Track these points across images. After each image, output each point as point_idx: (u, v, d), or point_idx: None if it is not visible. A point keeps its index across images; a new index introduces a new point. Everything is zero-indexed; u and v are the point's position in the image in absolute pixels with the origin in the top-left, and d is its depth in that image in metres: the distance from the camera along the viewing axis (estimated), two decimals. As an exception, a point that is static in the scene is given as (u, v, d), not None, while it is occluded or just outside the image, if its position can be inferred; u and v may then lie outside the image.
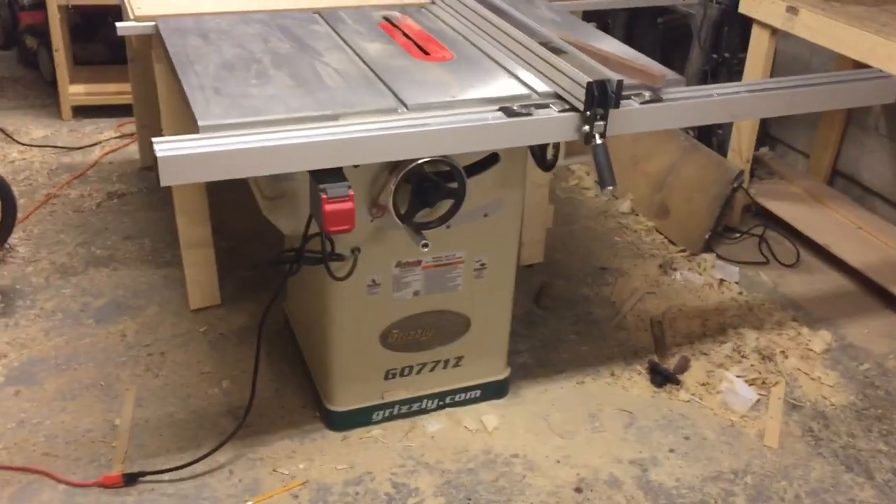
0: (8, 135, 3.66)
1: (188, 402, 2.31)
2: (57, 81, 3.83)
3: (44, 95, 4.09)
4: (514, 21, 2.10)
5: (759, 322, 2.75)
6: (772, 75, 3.11)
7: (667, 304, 2.82)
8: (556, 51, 1.92)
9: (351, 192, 1.69)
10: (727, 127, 3.35)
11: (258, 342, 2.10)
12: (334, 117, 1.71)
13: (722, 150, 3.37)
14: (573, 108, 1.80)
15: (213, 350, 2.51)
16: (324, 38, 2.11)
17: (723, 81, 3.32)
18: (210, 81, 1.81)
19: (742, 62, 3.20)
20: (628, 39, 3.71)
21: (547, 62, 1.88)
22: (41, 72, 4.23)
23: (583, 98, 1.75)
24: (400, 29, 2.20)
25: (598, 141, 1.80)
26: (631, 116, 1.85)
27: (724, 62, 3.28)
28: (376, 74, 1.92)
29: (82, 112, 3.92)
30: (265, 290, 2.61)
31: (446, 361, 2.27)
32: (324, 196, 1.67)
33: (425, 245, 1.88)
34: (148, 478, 2.04)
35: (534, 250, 3.00)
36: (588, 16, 3.18)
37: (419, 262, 2.10)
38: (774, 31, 2.94)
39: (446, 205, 1.97)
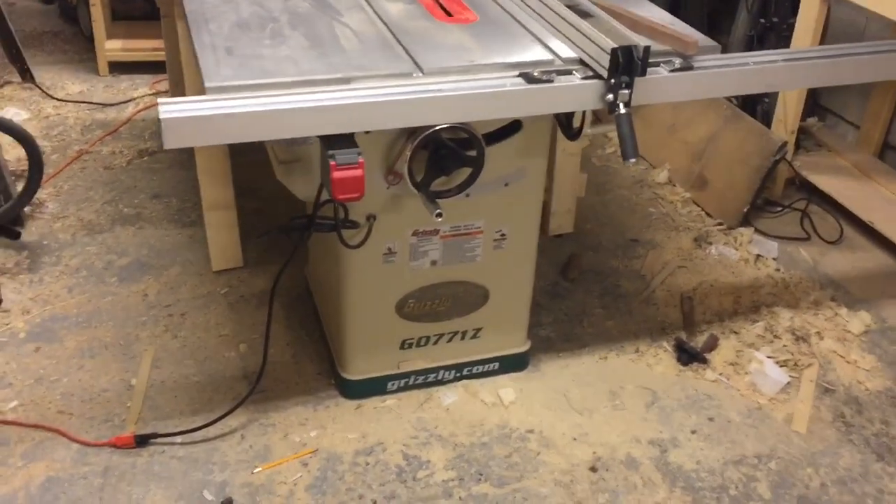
0: (44, 91, 3.66)
1: (205, 365, 2.30)
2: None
3: (82, 51, 4.09)
4: (543, -18, 2.01)
5: (794, 301, 2.65)
6: (822, 43, 2.96)
7: (699, 280, 2.73)
8: (583, 14, 1.83)
9: (361, 159, 1.63)
10: (773, 95, 3.21)
11: (270, 307, 2.07)
12: (346, 80, 1.65)
13: (766, 119, 3.24)
14: (597, 76, 1.72)
15: (233, 312, 2.49)
16: (343, -6, 2.05)
17: (770, 48, 3.18)
18: (223, 41, 1.77)
19: (792, 28, 3.05)
20: (674, 2, 3.57)
21: (572, 26, 1.79)
22: (81, 26, 4.23)
23: (607, 65, 1.67)
24: (426, -12, 2.13)
25: (623, 110, 1.71)
26: (659, 85, 1.75)
27: (772, 27, 3.13)
28: (395, 36, 1.85)
29: (119, 68, 3.92)
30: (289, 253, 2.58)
31: (464, 333, 2.23)
32: (332, 163, 1.62)
33: (439, 214, 1.83)
34: (159, 440, 2.04)
35: (563, 220, 2.92)
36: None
37: (437, 232, 2.05)
38: (826, -4, 2.80)
39: (464, 173, 1.91)
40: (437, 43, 1.82)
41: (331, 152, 1.63)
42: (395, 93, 1.62)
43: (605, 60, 1.67)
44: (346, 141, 1.64)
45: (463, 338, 2.23)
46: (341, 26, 1.87)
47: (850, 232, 3.01)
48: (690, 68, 1.78)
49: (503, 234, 2.11)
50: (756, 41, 3.16)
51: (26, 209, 2.80)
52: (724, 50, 3.35)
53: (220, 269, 2.65)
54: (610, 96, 1.71)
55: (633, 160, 1.71)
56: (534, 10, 1.96)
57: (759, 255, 2.86)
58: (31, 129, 3.36)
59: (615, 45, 1.65)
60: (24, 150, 2.55)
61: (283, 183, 1.95)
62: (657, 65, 1.77)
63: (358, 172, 1.63)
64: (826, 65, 1.87)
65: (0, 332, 2.36)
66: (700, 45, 1.82)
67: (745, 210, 2.98)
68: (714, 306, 2.62)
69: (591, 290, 2.69)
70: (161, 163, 3.23)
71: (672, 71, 1.76)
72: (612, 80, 1.69)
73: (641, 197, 3.21)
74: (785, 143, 2.94)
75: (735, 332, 2.51)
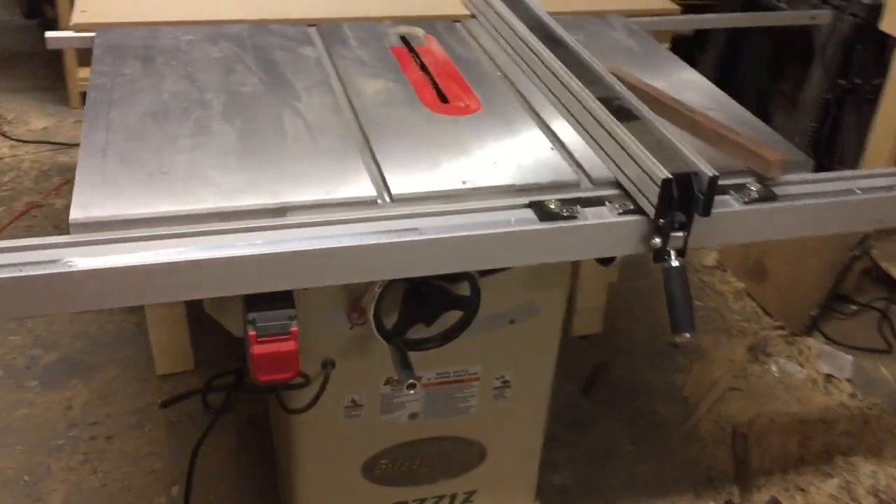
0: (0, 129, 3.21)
1: (125, 516, 1.83)
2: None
3: (55, 76, 3.64)
4: (572, 58, 1.49)
5: (876, 446, 2.11)
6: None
7: (755, 409, 2.20)
8: (624, 114, 1.32)
9: (294, 327, 1.14)
10: (849, 154, 2.67)
11: (188, 484, 1.58)
12: (280, 211, 1.16)
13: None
14: (640, 210, 1.21)
15: (172, 436, 2.01)
16: (311, 67, 1.55)
17: (850, 113, 2.64)
18: (121, 140, 1.28)
19: (876, 90, 2.52)
20: (731, 48, 3.04)
21: (609, 134, 1.28)
22: (59, 47, 3.78)
23: (654, 198, 1.16)
24: (418, 56, 1.63)
25: (675, 262, 1.20)
26: (727, 223, 1.24)
27: (853, 89, 2.59)
28: (365, 136, 1.35)
29: (94, 98, 3.45)
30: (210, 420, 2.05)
31: (452, 496, 1.73)
32: (251, 332, 1.13)
33: (412, 385, 1.33)
34: None
35: (590, 318, 2.41)
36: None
37: (418, 379, 1.55)
38: (926, 59, 2.26)
39: (452, 317, 1.42)
40: (421, 148, 1.32)
41: (251, 315, 1.14)
42: (348, 233, 1.12)
43: (652, 191, 1.16)
44: (275, 300, 1.15)
45: (451, 503, 1.73)
46: (294, 116, 1.38)
47: (941, 344, 2.47)
48: (772, 198, 1.26)
49: (506, 382, 1.61)
50: (834, 104, 2.62)
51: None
52: (795, 114, 2.83)
53: (166, 374, 2.17)
54: (657, 240, 1.20)
55: (687, 335, 1.20)
56: (559, 101, 1.45)
57: (829, 375, 2.33)
58: (-21, 174, 2.93)
59: (668, 175, 1.14)
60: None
61: (213, 317, 1.46)
62: (725, 191, 1.26)
63: (289, 346, 1.14)
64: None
65: None
66: (784, 162, 1.30)
67: (814, 314, 2.45)
68: (775, 449, 2.09)
69: (620, 416, 2.18)
70: (123, 220, 2.76)
71: (748, 203, 1.25)
72: (662, 221, 1.18)
73: (685, 285, 2.68)
74: (868, 237, 2.40)
75: (802, 490, 1.98)
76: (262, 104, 1.41)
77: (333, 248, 1.10)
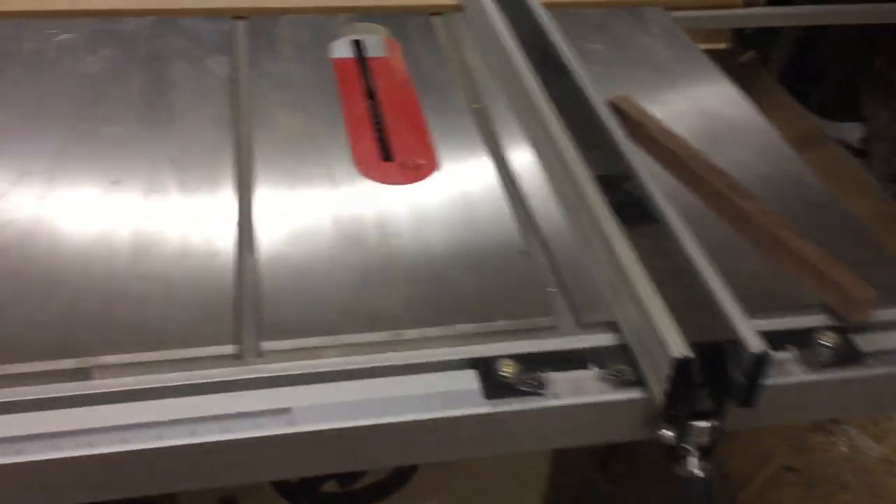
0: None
1: None
2: None
3: None
4: (571, 95, 1.04)
5: (968, 564, 1.67)
6: None
7: (819, 501, 1.77)
8: (633, 210, 0.87)
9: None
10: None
11: None
12: (81, 373, 0.76)
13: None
14: (640, 382, 0.77)
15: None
16: (215, 91, 1.12)
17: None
18: None
19: None
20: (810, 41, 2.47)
21: (605, 244, 0.84)
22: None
23: (663, 374, 0.72)
24: (370, 73, 1.18)
25: (696, 469, 0.77)
26: (780, 401, 0.80)
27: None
28: (251, 224, 0.92)
29: None
30: None
31: None
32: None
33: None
34: None
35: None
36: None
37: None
38: None
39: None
40: (329, 250, 0.89)
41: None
42: (170, 422, 0.71)
43: (660, 363, 0.72)
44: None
45: None
46: (156, 186, 0.95)
47: None
48: (855, 359, 0.81)
49: (474, 518, 1.21)
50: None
51: None
52: (865, 143, 2.26)
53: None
54: (669, 433, 0.76)
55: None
56: (548, 169, 1.00)
57: (911, 455, 1.87)
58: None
59: (683, 353, 0.70)
60: None
61: None
62: (781, 346, 0.81)
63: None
64: None
65: None
66: (874, 301, 0.84)
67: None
68: (835, 560, 1.67)
69: (642, 501, 1.76)
70: None
71: (821, 368, 0.80)
72: (676, 409, 0.74)
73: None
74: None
75: None
76: (121, 161, 0.99)
77: (141, 450, 0.70)
